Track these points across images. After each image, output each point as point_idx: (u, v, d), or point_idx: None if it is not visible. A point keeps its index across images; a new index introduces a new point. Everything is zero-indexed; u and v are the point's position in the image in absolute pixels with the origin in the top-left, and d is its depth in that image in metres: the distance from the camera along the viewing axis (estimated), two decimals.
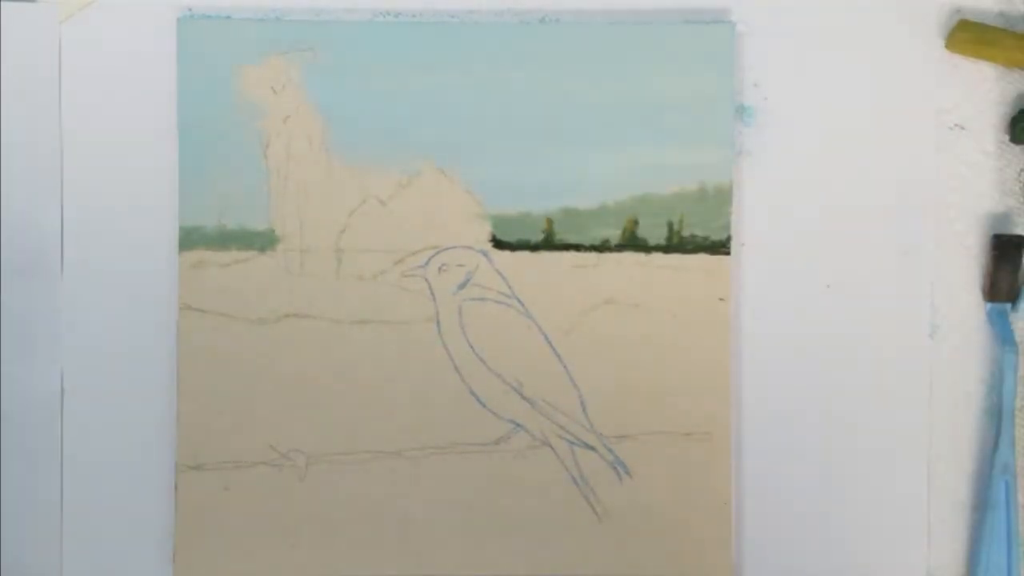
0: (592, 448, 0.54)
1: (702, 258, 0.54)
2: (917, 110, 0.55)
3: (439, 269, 0.54)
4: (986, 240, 0.55)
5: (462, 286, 0.54)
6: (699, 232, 0.54)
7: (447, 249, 0.55)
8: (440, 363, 0.54)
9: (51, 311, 0.55)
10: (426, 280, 0.54)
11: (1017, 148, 0.56)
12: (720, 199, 0.54)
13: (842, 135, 0.55)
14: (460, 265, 0.54)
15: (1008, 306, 0.55)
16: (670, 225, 0.55)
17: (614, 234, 0.55)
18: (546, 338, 0.54)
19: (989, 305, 0.55)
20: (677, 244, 0.55)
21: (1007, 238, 0.55)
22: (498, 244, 0.55)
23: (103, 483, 0.55)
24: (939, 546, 0.55)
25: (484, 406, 0.54)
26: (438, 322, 0.54)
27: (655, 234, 0.55)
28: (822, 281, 0.55)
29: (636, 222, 0.55)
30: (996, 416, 0.55)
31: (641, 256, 0.55)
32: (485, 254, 0.55)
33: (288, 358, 0.54)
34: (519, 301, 0.54)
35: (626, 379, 0.54)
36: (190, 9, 0.55)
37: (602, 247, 0.55)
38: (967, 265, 0.55)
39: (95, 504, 0.55)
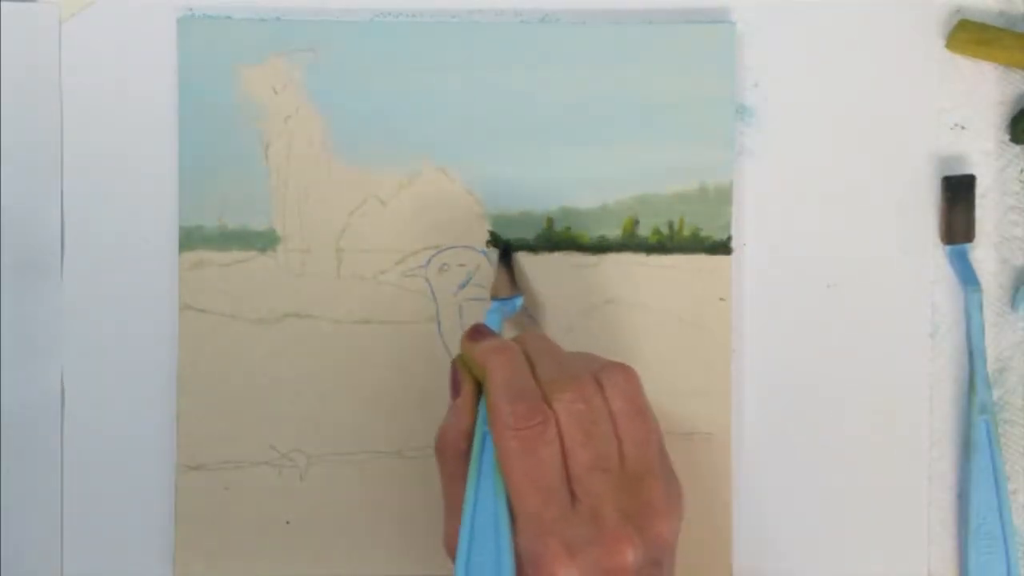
0: None
1: (702, 258, 0.55)
2: (917, 110, 0.55)
3: (440, 269, 0.54)
4: (937, 183, 0.55)
5: (463, 286, 0.54)
6: (699, 232, 0.55)
7: (448, 249, 0.55)
8: (440, 363, 0.54)
9: (51, 311, 0.55)
10: (427, 280, 0.54)
11: (1017, 148, 0.56)
12: (720, 199, 0.55)
13: (842, 135, 0.55)
14: (461, 265, 0.54)
15: (967, 247, 0.55)
16: (670, 225, 0.55)
17: (614, 234, 0.55)
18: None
19: (948, 247, 0.55)
20: (677, 244, 0.55)
21: (957, 179, 0.55)
22: (498, 244, 0.55)
23: (103, 483, 0.55)
24: (939, 546, 0.55)
25: None
26: (439, 322, 0.54)
27: (655, 234, 0.55)
28: (823, 281, 0.55)
29: (636, 222, 0.55)
30: (969, 358, 0.55)
31: (641, 256, 0.55)
32: (486, 254, 0.55)
33: (288, 358, 0.54)
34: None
35: None
36: (190, 9, 0.55)
37: (602, 247, 0.55)
38: None
39: (95, 504, 0.55)
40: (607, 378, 0.46)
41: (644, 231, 0.55)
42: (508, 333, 0.54)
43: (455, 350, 0.54)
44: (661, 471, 0.46)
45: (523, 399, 0.45)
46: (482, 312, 0.54)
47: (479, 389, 0.48)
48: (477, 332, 0.50)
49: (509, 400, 0.45)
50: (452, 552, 0.47)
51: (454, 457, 0.48)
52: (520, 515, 0.45)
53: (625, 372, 0.47)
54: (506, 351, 0.47)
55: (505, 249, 0.54)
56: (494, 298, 0.53)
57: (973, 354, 0.54)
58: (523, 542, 0.44)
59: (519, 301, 0.53)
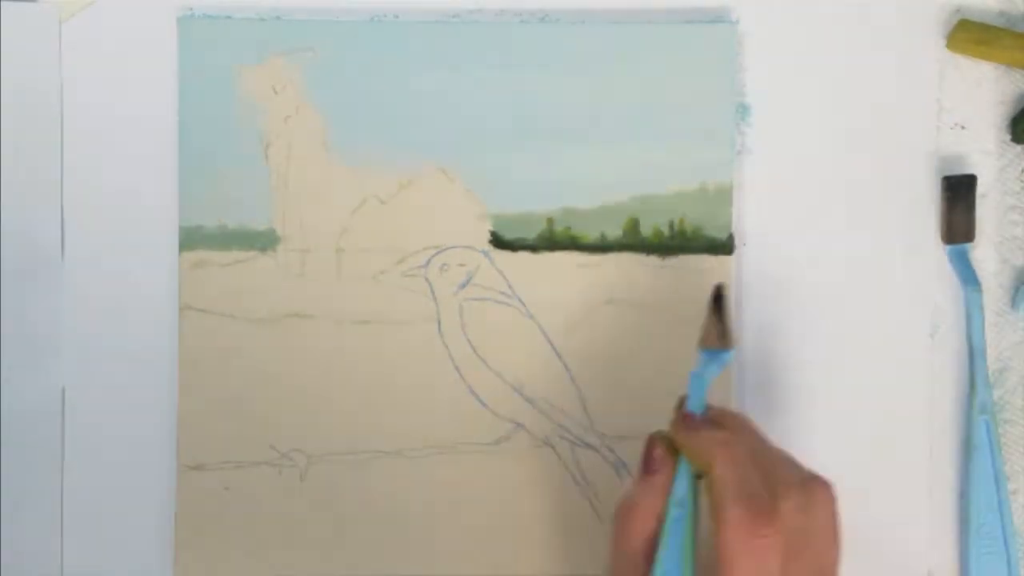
0: (593, 448, 0.54)
1: (703, 258, 0.55)
2: (917, 110, 0.55)
3: (440, 269, 0.54)
4: (937, 183, 0.55)
5: (463, 286, 0.54)
6: (700, 232, 0.55)
7: (448, 249, 0.55)
8: (441, 363, 0.54)
9: (51, 311, 0.55)
10: (427, 280, 0.54)
11: (1018, 148, 0.56)
12: (721, 198, 0.55)
13: (842, 135, 0.55)
14: (461, 265, 0.54)
15: (967, 247, 0.55)
16: (671, 225, 0.55)
17: (614, 234, 0.55)
18: (546, 338, 0.54)
19: (948, 247, 0.55)
20: (677, 244, 0.55)
21: (958, 179, 0.55)
22: (499, 244, 0.55)
23: (103, 483, 0.55)
24: (939, 546, 0.55)
25: (484, 406, 0.54)
26: (439, 322, 0.54)
27: (655, 234, 0.55)
28: (823, 281, 0.55)
29: (636, 222, 0.55)
30: (969, 358, 0.55)
31: (641, 256, 0.55)
32: (486, 254, 0.55)
33: (288, 358, 0.54)
34: (520, 301, 0.54)
35: (626, 379, 0.54)
36: (190, 9, 0.55)
37: (602, 247, 0.55)
38: None
39: (95, 504, 0.54)
40: (813, 492, 0.46)
41: (644, 231, 0.55)
42: None
43: (455, 350, 0.54)
44: None
45: (759, 507, 0.44)
46: (482, 312, 0.54)
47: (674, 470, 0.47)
48: (691, 419, 0.48)
49: (743, 504, 0.44)
50: None
51: (638, 534, 0.47)
52: None
53: (828, 491, 0.47)
54: (735, 447, 0.46)
55: (718, 294, 0.49)
56: (703, 348, 0.49)
57: (973, 354, 0.54)
58: None
59: (729, 356, 0.49)
